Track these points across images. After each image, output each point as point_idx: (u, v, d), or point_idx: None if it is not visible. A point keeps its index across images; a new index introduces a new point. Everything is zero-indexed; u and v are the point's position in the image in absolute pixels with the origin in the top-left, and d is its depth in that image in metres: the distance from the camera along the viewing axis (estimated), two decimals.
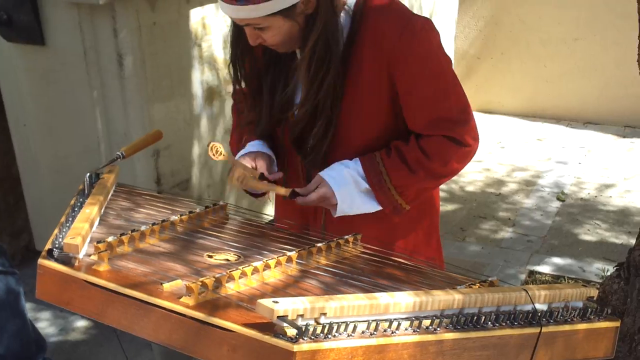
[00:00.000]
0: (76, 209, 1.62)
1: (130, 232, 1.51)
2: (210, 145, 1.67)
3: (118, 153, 1.91)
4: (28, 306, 2.80)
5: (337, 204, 1.75)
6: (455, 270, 1.65)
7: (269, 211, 2.18)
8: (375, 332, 1.21)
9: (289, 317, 1.15)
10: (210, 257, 1.49)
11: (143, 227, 1.55)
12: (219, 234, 1.65)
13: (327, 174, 1.76)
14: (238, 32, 1.77)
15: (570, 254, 4.03)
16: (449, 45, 6.05)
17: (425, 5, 5.36)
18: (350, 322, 1.19)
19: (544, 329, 1.36)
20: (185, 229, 1.65)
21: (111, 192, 1.81)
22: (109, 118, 3.14)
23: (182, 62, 3.26)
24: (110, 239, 1.45)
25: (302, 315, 1.17)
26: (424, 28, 1.72)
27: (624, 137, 5.87)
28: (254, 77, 1.85)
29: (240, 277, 1.35)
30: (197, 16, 3.26)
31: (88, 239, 1.49)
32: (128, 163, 3.02)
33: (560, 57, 6.08)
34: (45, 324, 3.34)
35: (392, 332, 1.22)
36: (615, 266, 2.74)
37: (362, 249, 1.66)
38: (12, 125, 3.46)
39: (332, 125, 1.75)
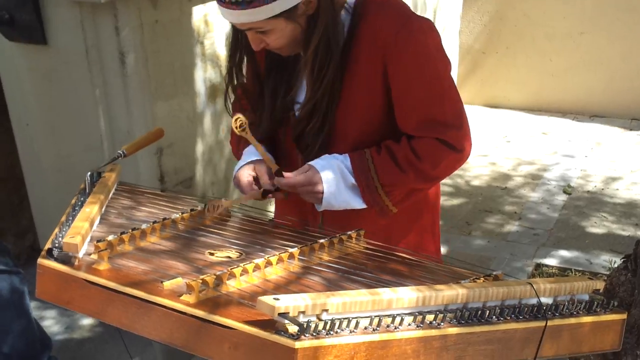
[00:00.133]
0: (77, 208, 1.61)
1: (130, 230, 1.50)
2: (236, 117, 1.69)
3: (119, 151, 1.90)
4: (33, 305, 2.80)
5: (323, 191, 1.72)
6: (460, 264, 1.64)
7: (272, 208, 2.17)
8: (378, 328, 1.19)
9: (290, 314, 1.14)
10: (212, 254, 1.48)
11: (144, 226, 1.54)
12: (221, 232, 1.63)
13: (315, 162, 1.74)
14: (238, 38, 1.76)
15: (577, 246, 4.01)
16: (453, 40, 6.02)
17: (430, 0, 5.33)
18: (353, 318, 1.18)
19: (550, 323, 1.35)
20: (187, 227, 1.64)
21: (112, 191, 1.80)
22: (111, 116, 3.13)
23: (185, 59, 3.25)
24: (110, 237, 1.44)
25: (303, 312, 1.16)
26: (422, 29, 1.70)
27: (631, 129, 5.84)
28: (255, 81, 1.84)
29: (241, 275, 1.34)
30: (199, 13, 3.25)
31: (88, 238, 1.48)
32: (131, 161, 3.02)
33: (565, 51, 6.06)
34: (50, 322, 3.34)
35: (395, 328, 1.21)
36: (622, 258, 2.72)
37: (365, 244, 1.64)
38: (15, 125, 3.46)
39: (327, 120, 1.73)
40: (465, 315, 1.28)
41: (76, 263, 1.38)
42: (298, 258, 1.48)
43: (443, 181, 2.03)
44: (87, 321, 3.34)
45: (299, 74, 1.76)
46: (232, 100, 1.92)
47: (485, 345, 1.28)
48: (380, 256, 1.58)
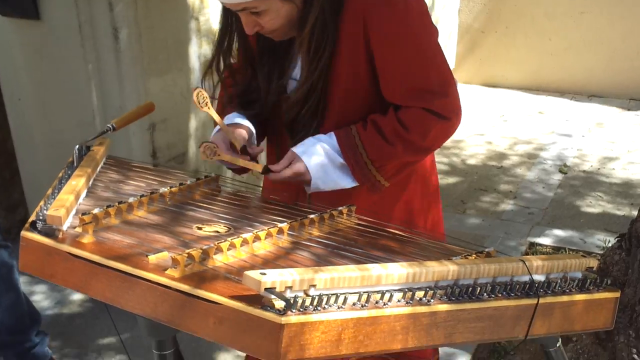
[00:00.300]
0: (63, 182, 1.58)
1: (117, 203, 1.48)
2: (197, 91, 1.62)
3: (108, 125, 1.87)
4: (23, 279, 2.78)
5: (310, 179, 1.68)
6: (454, 242, 1.61)
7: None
8: (366, 304, 1.17)
9: (277, 289, 1.12)
10: (200, 229, 1.46)
11: (131, 199, 1.51)
12: (210, 206, 1.61)
13: (300, 149, 1.69)
14: (228, 23, 1.72)
15: (572, 225, 4.00)
16: (452, 18, 5.98)
17: None
18: (341, 294, 1.16)
19: (542, 300, 1.33)
20: (175, 201, 1.62)
21: (101, 165, 1.78)
22: (104, 92, 3.10)
23: (179, 35, 3.21)
24: (95, 210, 1.41)
25: (290, 287, 1.13)
26: None
27: (629, 110, 5.82)
28: (247, 67, 1.79)
29: (228, 249, 1.32)
30: None
31: (73, 211, 1.45)
32: (123, 137, 3.00)
33: (565, 30, 6.01)
34: (40, 297, 3.33)
35: (384, 304, 1.18)
36: (617, 237, 2.71)
37: (357, 220, 1.62)
38: (7, 100, 3.43)
39: (322, 101, 1.70)
40: (455, 292, 1.26)
41: (60, 236, 1.36)
42: (287, 233, 1.45)
43: (438, 160, 1.99)
44: (77, 296, 3.33)
45: (294, 57, 1.72)
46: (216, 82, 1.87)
47: (476, 323, 1.26)
48: (371, 232, 1.55)
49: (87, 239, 1.34)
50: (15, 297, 2.58)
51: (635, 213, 3.46)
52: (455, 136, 5.17)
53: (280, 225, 1.44)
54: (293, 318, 1.09)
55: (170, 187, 1.63)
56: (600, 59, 5.98)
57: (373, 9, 1.62)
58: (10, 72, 3.33)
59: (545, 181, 4.58)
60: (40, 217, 1.39)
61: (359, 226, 1.59)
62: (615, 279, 2.50)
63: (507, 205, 4.26)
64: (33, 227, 1.38)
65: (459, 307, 1.24)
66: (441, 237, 2.00)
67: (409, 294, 1.22)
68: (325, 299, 1.14)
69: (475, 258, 1.43)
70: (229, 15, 1.71)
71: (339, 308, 1.15)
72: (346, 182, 1.73)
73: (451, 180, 4.57)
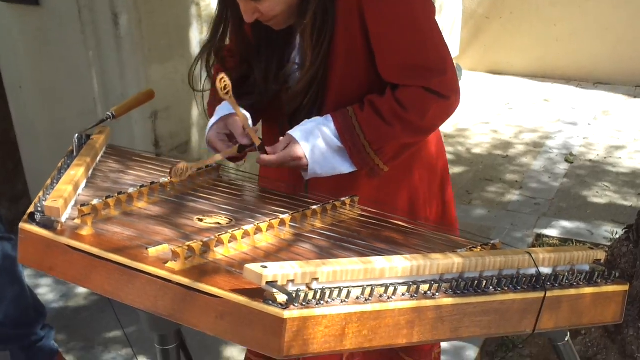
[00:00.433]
0: (62, 171, 1.56)
1: (117, 194, 1.45)
2: (221, 76, 1.56)
3: (108, 113, 1.84)
4: (28, 272, 2.77)
5: (307, 164, 1.65)
6: (460, 233, 1.59)
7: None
8: (370, 298, 1.15)
9: (279, 283, 1.09)
10: (201, 220, 1.43)
11: (131, 190, 1.49)
12: (211, 197, 1.58)
13: (295, 132, 1.65)
14: (223, 15, 1.69)
15: (579, 216, 3.96)
16: (456, 4, 5.92)
17: None
18: (344, 287, 1.13)
19: (549, 294, 1.30)
20: (176, 192, 1.59)
21: (101, 154, 1.75)
22: (105, 79, 3.07)
23: (181, 21, 3.18)
24: (95, 201, 1.39)
25: (292, 281, 1.11)
26: None
27: (635, 97, 5.76)
28: (242, 59, 1.76)
29: (230, 242, 1.29)
30: None
31: (72, 202, 1.43)
32: (125, 126, 2.97)
33: (570, 16, 5.96)
34: (45, 290, 3.31)
35: (389, 298, 1.16)
36: (625, 229, 2.68)
37: (360, 211, 1.59)
38: (8, 89, 3.40)
39: (321, 87, 1.67)
40: (461, 285, 1.23)
41: (59, 228, 1.33)
42: (289, 225, 1.42)
43: None
44: (82, 289, 3.31)
45: (293, 45, 1.69)
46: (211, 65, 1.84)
47: (482, 317, 1.24)
48: (374, 224, 1.52)
49: (86, 231, 1.32)
50: (19, 289, 2.56)
51: None
52: (460, 124, 5.15)
53: (282, 216, 1.42)
54: (295, 312, 1.07)
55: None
56: (606, 45, 5.92)
57: None
58: (12, 60, 3.31)
59: (551, 171, 4.55)
60: (39, 209, 1.37)
61: (363, 217, 1.56)
62: (623, 272, 2.48)
63: (513, 196, 4.23)
64: (31, 218, 1.36)
65: (465, 300, 1.22)
66: (453, 223, 1.97)
67: (414, 287, 1.19)
68: (328, 292, 1.11)
69: (480, 250, 1.40)
70: (224, 7, 1.67)
71: (342, 302, 1.12)
72: (344, 167, 1.69)
73: (457, 170, 4.54)
